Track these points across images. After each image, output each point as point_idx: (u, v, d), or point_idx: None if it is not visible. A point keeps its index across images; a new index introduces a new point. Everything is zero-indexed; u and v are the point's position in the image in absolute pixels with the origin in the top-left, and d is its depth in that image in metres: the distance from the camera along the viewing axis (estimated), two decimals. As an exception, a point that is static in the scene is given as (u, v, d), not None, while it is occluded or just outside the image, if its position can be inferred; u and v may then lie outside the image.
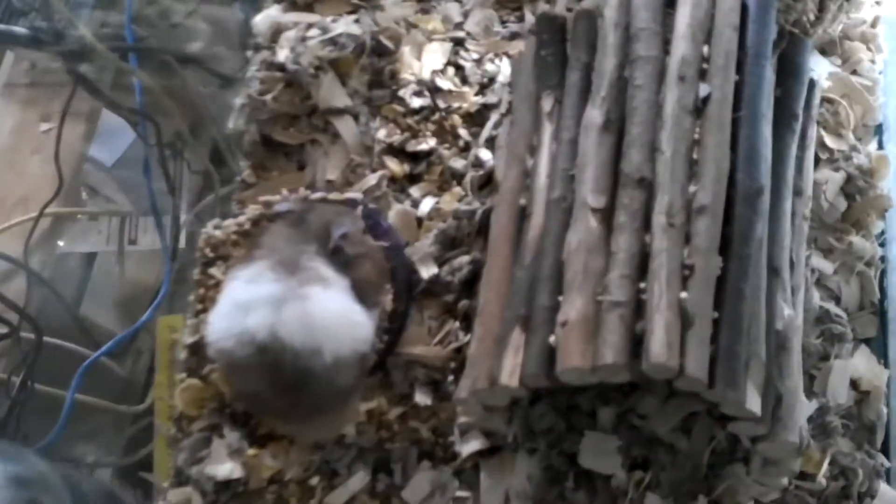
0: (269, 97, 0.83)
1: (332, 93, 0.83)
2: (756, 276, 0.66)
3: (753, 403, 0.63)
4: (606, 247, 0.66)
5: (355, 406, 0.75)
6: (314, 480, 0.75)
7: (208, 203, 1.22)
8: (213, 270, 0.78)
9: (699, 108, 0.69)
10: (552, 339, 0.65)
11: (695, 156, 0.68)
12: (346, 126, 0.84)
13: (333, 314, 0.69)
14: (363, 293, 0.73)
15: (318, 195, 0.80)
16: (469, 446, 0.75)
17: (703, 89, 0.70)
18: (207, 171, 1.17)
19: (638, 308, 0.64)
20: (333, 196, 0.80)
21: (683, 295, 0.63)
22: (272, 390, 0.68)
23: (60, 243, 1.32)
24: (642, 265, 0.65)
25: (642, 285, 0.64)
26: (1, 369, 1.04)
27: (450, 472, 0.76)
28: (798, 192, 0.76)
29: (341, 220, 0.74)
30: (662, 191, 0.66)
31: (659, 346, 0.61)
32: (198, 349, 0.77)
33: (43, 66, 1.25)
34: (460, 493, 0.75)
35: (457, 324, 0.78)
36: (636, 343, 0.63)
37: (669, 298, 0.62)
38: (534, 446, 0.75)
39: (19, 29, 1.09)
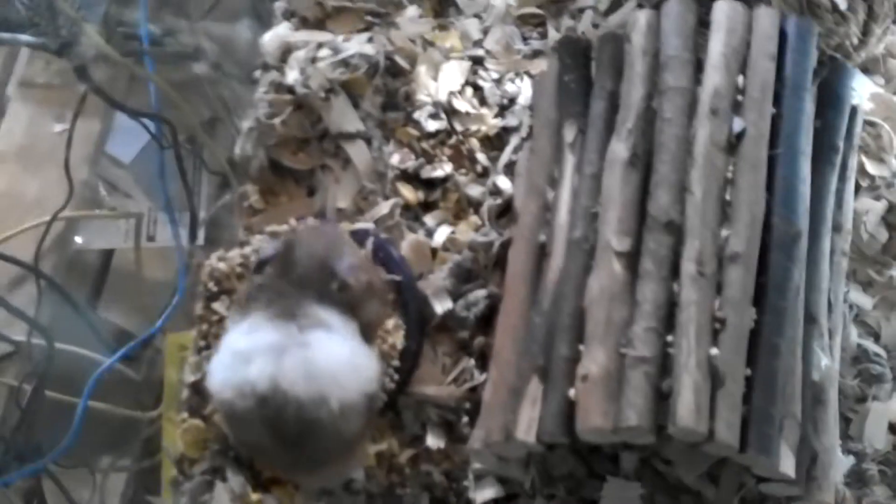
0: (277, 121, 0.79)
1: (343, 116, 0.80)
2: (792, 328, 0.62)
3: (787, 466, 0.60)
4: (631, 295, 0.62)
5: (364, 449, 0.71)
6: (322, 526, 0.72)
7: (226, 202, 1.20)
8: (217, 305, 0.74)
9: (733, 145, 0.65)
10: (572, 392, 0.61)
11: (727, 197, 0.64)
12: (357, 151, 0.80)
13: (338, 359, 0.65)
14: (371, 329, 0.70)
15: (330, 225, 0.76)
16: (484, 493, 0.72)
17: (738, 124, 0.65)
18: (225, 171, 1.15)
19: (664, 362, 0.60)
20: (343, 226, 0.76)
21: (714, 352, 0.59)
22: (275, 443, 0.64)
23: (78, 240, 1.31)
24: (669, 317, 0.61)
25: (669, 338, 0.60)
26: (13, 376, 1.02)
27: (464, 521, 0.72)
28: (837, 229, 0.71)
29: (337, 250, 0.69)
30: (692, 236, 0.62)
31: (687, 409, 0.57)
32: (199, 388, 0.74)
33: (58, 65, 1.23)
34: (475, 543, 0.71)
35: (472, 362, 0.74)
36: (661, 400, 0.59)
37: (699, 356, 0.58)
38: (552, 492, 0.71)
39: (25, 37, 1.06)
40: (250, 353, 0.63)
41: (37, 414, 1.02)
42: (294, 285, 0.66)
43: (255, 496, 0.72)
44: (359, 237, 0.76)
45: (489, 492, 0.72)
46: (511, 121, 0.82)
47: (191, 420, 0.74)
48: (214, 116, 1.23)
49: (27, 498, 1.09)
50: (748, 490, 0.69)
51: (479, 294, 0.75)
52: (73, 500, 1.15)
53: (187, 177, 1.21)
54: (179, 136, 1.15)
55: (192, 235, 1.22)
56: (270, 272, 0.68)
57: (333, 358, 0.65)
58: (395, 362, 0.72)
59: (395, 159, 0.80)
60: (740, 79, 0.67)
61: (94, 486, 1.20)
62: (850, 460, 0.72)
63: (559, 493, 0.71)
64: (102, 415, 1.07)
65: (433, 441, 0.73)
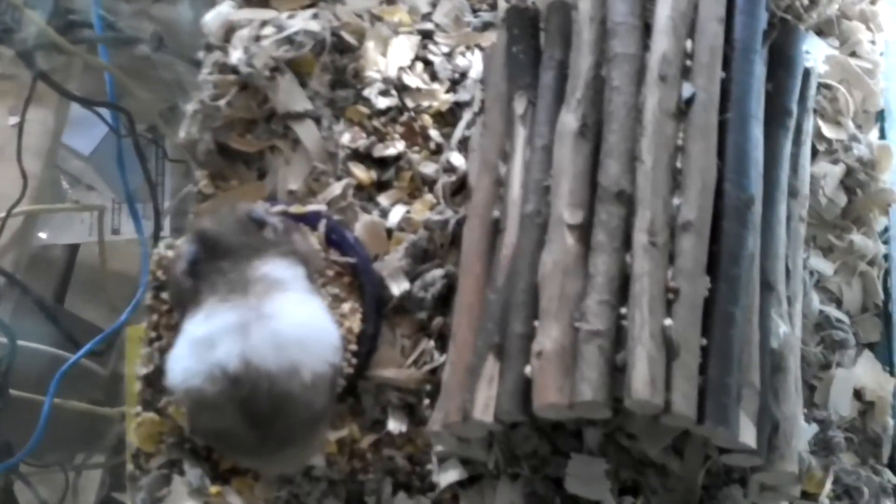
0: (222, 102, 0.77)
1: (290, 96, 0.77)
2: (747, 295, 0.61)
3: (748, 436, 0.59)
4: (584, 268, 0.61)
5: (324, 435, 0.70)
6: (283, 515, 0.71)
7: (189, 192, 1.16)
8: (166, 295, 0.72)
9: (682, 111, 0.64)
10: (528, 369, 0.60)
11: (678, 164, 0.62)
12: (307, 131, 0.78)
13: (304, 324, 0.64)
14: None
15: (278, 208, 0.74)
16: (447, 476, 0.71)
17: (687, 90, 0.64)
18: (187, 160, 1.13)
19: (618, 335, 0.59)
20: (295, 209, 0.74)
21: (668, 322, 0.58)
22: (244, 423, 0.62)
23: (42, 235, 1.29)
24: (622, 289, 0.60)
25: (623, 311, 0.59)
26: None
27: (428, 504, 0.71)
28: (793, 194, 0.70)
29: (243, 208, 0.69)
30: (643, 205, 0.61)
31: (642, 381, 0.56)
32: (152, 381, 0.72)
33: (9, 56, 1.20)
34: (439, 526, 0.70)
35: (431, 343, 0.73)
36: (617, 373, 0.58)
37: (652, 327, 0.57)
38: (516, 471, 0.70)
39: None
40: (212, 338, 0.62)
41: (2, 413, 1.01)
42: (228, 257, 0.65)
43: (213, 488, 0.71)
44: (311, 220, 0.74)
45: (452, 474, 0.71)
46: (463, 95, 0.80)
47: (145, 414, 0.72)
48: (173, 104, 1.20)
49: None
50: (713, 463, 0.68)
51: (437, 274, 0.73)
52: (45, 499, 1.14)
53: (149, 167, 1.20)
54: (138, 125, 1.13)
55: (157, 226, 1.20)
56: (200, 262, 0.66)
57: (299, 324, 0.64)
58: (353, 346, 0.71)
59: (345, 138, 0.78)
60: (689, 43, 0.65)
61: (67, 484, 1.19)
62: (814, 428, 0.71)
63: (523, 472, 0.70)
64: (71, 412, 1.06)
65: (394, 425, 0.72)
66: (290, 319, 0.63)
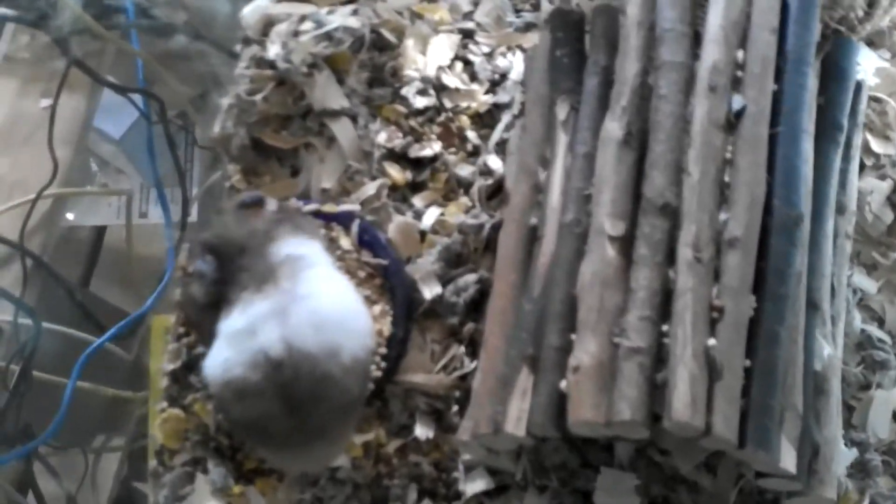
0: (258, 97, 0.76)
1: (327, 93, 0.76)
2: (794, 315, 0.59)
3: (788, 461, 0.57)
4: (625, 281, 0.59)
5: (351, 432, 0.69)
6: (306, 518, 0.70)
7: (217, 179, 1.18)
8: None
9: (732, 123, 0.62)
10: (563, 384, 0.59)
11: (726, 178, 0.61)
12: (342, 129, 0.76)
13: (340, 303, 0.64)
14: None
15: (311, 207, 0.73)
16: (474, 485, 0.69)
17: (737, 102, 0.62)
18: (216, 148, 1.12)
19: (659, 352, 0.57)
20: (327, 208, 0.73)
21: (711, 342, 0.56)
22: (284, 409, 0.61)
23: (70, 216, 1.29)
24: (664, 305, 0.58)
25: (665, 328, 0.57)
26: (0, 357, 0.99)
27: (453, 513, 0.70)
28: (841, 210, 0.68)
29: (234, 202, 0.69)
30: (689, 219, 0.59)
31: (683, 402, 0.54)
32: (179, 377, 0.72)
33: (44, 40, 1.20)
34: (464, 536, 0.69)
35: (462, 349, 0.71)
36: (656, 392, 0.56)
37: (695, 346, 0.55)
38: (545, 483, 0.69)
39: (2, 9, 1.03)
40: (252, 327, 0.61)
41: (25, 396, 1.00)
42: (245, 252, 0.64)
43: (237, 488, 0.70)
44: (344, 219, 0.73)
45: (479, 483, 0.69)
46: (502, 97, 0.79)
47: (170, 410, 0.72)
48: (204, 91, 1.20)
49: (17, 481, 1.07)
50: (746, 482, 0.67)
51: (469, 279, 0.72)
52: (65, 482, 1.14)
53: (178, 153, 1.20)
54: (169, 111, 1.12)
55: (185, 212, 1.20)
56: (220, 272, 0.65)
57: (336, 303, 0.64)
58: (383, 349, 0.70)
59: (381, 138, 0.77)
60: (740, 53, 0.64)
61: (87, 466, 1.19)
62: (853, 453, 0.70)
63: (552, 484, 0.69)
64: (93, 395, 1.05)
65: (422, 431, 0.70)
66: (326, 298, 0.63)
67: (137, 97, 1.12)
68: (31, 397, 1.00)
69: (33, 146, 1.09)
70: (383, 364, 0.70)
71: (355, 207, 0.74)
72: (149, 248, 1.29)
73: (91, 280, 1.33)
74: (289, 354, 0.60)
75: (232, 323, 0.63)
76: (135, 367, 1.17)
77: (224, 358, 0.62)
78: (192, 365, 0.71)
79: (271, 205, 0.68)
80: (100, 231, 1.34)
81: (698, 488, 0.67)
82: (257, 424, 0.64)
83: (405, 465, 0.71)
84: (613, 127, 0.64)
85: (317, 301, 0.62)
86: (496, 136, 0.77)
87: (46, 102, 1.12)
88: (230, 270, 0.65)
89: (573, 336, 0.60)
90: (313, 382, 0.60)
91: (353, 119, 0.77)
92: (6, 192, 1.07)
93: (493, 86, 0.80)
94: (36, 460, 1.09)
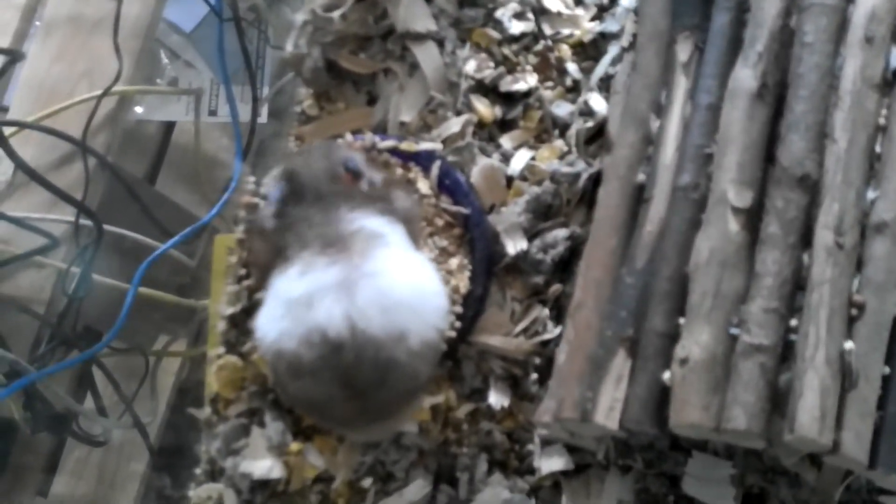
0: (336, 14, 0.68)
1: (412, 12, 0.69)
2: (944, 316, 0.51)
3: (922, 484, 0.49)
4: (749, 263, 0.52)
5: (419, 403, 0.63)
6: (367, 482, 0.64)
7: (289, 80, 1.14)
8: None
9: (889, 83, 0.53)
10: (666, 375, 0.52)
11: (878, 149, 0.52)
12: (427, 55, 0.69)
13: (413, 285, 0.58)
14: (413, 228, 0.62)
15: (387, 143, 0.66)
16: (551, 463, 0.63)
17: (897, 57, 0.53)
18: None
19: (784, 352, 0.49)
20: (405, 145, 0.66)
21: (848, 345, 0.48)
22: (343, 394, 0.56)
23: (139, 109, 1.26)
24: (795, 295, 0.50)
25: (793, 322, 0.49)
26: (60, 259, 0.96)
27: (525, 489, 0.64)
28: None
29: (338, 150, 0.62)
30: (831, 196, 0.51)
31: (809, 415, 0.47)
32: (237, 322, 0.66)
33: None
34: (536, 518, 0.64)
35: (546, 311, 0.65)
36: (777, 396, 0.49)
37: (829, 349, 0.48)
38: (628, 464, 0.63)
39: None
40: (310, 296, 0.55)
41: (85, 300, 0.98)
42: (318, 205, 0.58)
43: (294, 446, 0.65)
44: (423, 160, 0.66)
45: (557, 462, 0.63)
46: (611, 26, 0.71)
47: (227, 357, 0.66)
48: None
49: (77, 384, 1.06)
50: (856, 478, 0.60)
51: (560, 234, 0.65)
52: (122, 385, 1.13)
53: (248, 51, 1.14)
54: (241, 6, 1.06)
55: (254, 112, 1.15)
56: (288, 204, 0.59)
57: (409, 284, 0.57)
58: (458, 307, 0.63)
59: (470, 67, 0.70)
60: (907, -2, 0.54)
61: (147, 369, 1.17)
62: None
63: (636, 465, 0.63)
64: (155, 300, 1.03)
65: (496, 398, 0.64)
66: (398, 278, 0.57)
67: (209, -7, 1.06)
68: (91, 301, 0.98)
69: (102, 39, 1.04)
70: (458, 323, 0.63)
71: (436, 146, 0.67)
72: (216, 147, 1.27)
73: (157, 178, 1.30)
74: (351, 336, 0.54)
75: (288, 285, 0.57)
76: (197, 272, 1.15)
77: (276, 324, 0.57)
78: (251, 310, 0.66)
79: (376, 177, 0.61)
80: (168, 126, 1.30)
81: (800, 482, 0.61)
82: (314, 403, 0.59)
83: (475, 432, 0.65)
84: (746, 75, 0.55)
85: (387, 280, 0.56)
86: (600, 70, 0.70)
87: (115, -7, 1.06)
88: (296, 214, 0.59)
89: (681, 321, 0.53)
90: (377, 368, 0.55)
91: (440, 43, 0.70)
92: (71, 87, 1.01)
93: (601, 11, 0.73)
94: (95, 365, 1.07)
